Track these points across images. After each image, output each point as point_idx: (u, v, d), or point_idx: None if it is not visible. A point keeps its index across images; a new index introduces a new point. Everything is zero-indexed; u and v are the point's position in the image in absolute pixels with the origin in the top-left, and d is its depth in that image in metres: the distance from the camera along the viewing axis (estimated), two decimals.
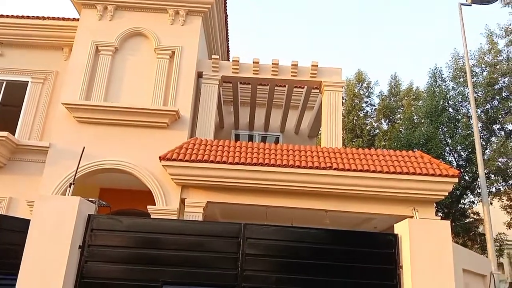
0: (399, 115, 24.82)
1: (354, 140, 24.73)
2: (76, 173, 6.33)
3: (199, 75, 10.52)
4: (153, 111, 9.25)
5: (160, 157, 8.47)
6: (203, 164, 8.40)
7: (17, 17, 10.86)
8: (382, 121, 25.45)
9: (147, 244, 4.76)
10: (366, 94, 25.99)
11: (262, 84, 12.81)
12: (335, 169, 8.38)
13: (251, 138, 14.10)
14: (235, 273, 4.68)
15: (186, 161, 8.40)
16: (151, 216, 8.41)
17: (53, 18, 10.82)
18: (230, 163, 8.42)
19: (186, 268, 4.69)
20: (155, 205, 8.69)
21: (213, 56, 10.56)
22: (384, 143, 23.35)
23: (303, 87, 12.37)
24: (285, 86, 12.06)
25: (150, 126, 9.35)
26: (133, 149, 9.13)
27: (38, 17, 10.80)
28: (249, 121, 13.58)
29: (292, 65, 10.48)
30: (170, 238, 4.79)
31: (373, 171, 8.36)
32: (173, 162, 8.40)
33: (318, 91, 11.71)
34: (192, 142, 9.06)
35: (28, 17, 10.85)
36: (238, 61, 10.51)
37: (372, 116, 25.83)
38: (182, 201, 8.76)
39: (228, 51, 13.92)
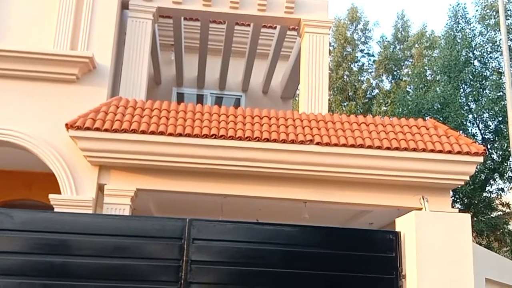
0: (406, 70, 25.39)
1: (345, 103, 25.16)
2: None
3: (124, 5, 10.29)
4: (55, 57, 9.01)
5: (67, 125, 8.31)
6: (131, 135, 8.32)
7: None
8: (383, 78, 25.97)
9: (50, 249, 4.72)
10: (362, 39, 26.33)
11: (216, 22, 12.69)
12: (317, 143, 8.51)
13: (200, 99, 14.04)
14: (177, 287, 4.74)
15: (106, 130, 8.28)
16: (55, 210, 8.27)
17: None
18: (171, 135, 8.38)
19: (105, 282, 4.70)
20: (60, 193, 8.57)
21: None
22: (385, 108, 23.88)
23: (275, 28, 12.34)
24: (249, 25, 11.98)
25: (53, 80, 9.11)
26: (26, 113, 8.89)
27: None
28: (198, 75, 13.47)
29: None
30: (83, 240, 4.78)
31: (369, 147, 8.56)
32: (86, 132, 8.27)
33: (296, 33, 11.73)
34: (114, 104, 8.91)
35: None
36: None
37: (370, 70, 26.27)
38: (101, 188, 8.69)
39: None
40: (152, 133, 8.37)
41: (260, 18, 10.84)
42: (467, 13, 19.70)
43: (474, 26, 19.35)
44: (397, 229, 5.23)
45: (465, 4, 20.97)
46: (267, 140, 8.46)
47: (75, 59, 9.07)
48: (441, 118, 17.05)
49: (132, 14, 10.25)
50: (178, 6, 10.46)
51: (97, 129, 8.28)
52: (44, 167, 8.84)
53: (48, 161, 8.70)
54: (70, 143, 8.55)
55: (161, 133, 8.40)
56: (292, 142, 8.49)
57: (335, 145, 8.53)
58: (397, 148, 8.58)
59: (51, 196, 8.48)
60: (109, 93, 9.50)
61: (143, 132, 8.36)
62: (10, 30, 9.43)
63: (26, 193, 10.30)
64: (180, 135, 8.40)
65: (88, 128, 8.26)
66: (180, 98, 13.93)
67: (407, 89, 22.69)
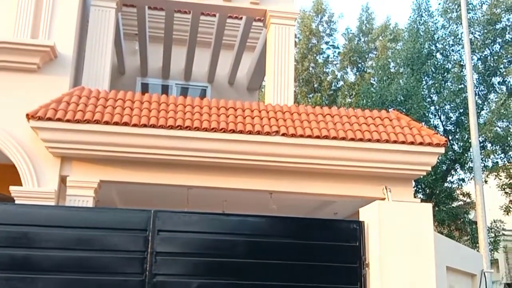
0: (370, 62, 25.71)
1: (310, 95, 25.34)
2: None
3: None
4: (15, 46, 8.82)
5: (27, 115, 8.14)
6: (94, 126, 8.20)
7: None
8: (348, 70, 26.23)
9: (12, 242, 4.67)
10: (327, 31, 26.49)
11: (181, 12, 12.58)
12: (283, 135, 8.56)
13: (165, 89, 13.94)
14: (141, 279, 4.73)
15: (68, 121, 8.15)
16: (16, 202, 8.14)
17: None
18: (135, 126, 8.29)
19: (68, 275, 4.66)
20: (21, 185, 8.42)
21: None
22: (350, 99, 24.16)
23: (241, 18, 12.32)
24: (215, 15, 11.93)
25: (13, 69, 8.92)
26: None
27: None
28: (163, 65, 13.35)
29: None
30: (45, 232, 4.73)
31: (334, 138, 8.65)
32: (47, 122, 8.11)
33: (262, 24, 11.73)
34: (76, 94, 8.76)
35: None
36: None
37: (335, 62, 26.49)
38: (63, 179, 8.56)
39: None
40: (116, 124, 8.27)
41: (225, 9, 10.81)
42: (430, 6, 20.02)
43: (436, 20, 19.69)
44: (360, 219, 5.32)
45: None
46: (233, 131, 8.46)
47: (35, 47, 8.89)
48: (404, 110, 17.33)
49: (95, 3, 10.06)
50: None
51: (59, 120, 8.13)
52: (4, 159, 8.67)
53: (8, 152, 8.52)
54: (31, 134, 8.39)
55: (125, 124, 8.30)
56: (258, 133, 8.51)
57: (301, 136, 8.59)
58: (361, 139, 8.69)
59: (12, 188, 8.32)
60: (71, 83, 9.35)
61: (106, 123, 8.25)
62: None
63: None
64: (144, 126, 8.32)
65: (49, 119, 8.10)
66: (145, 88, 13.80)
67: (371, 81, 22.98)
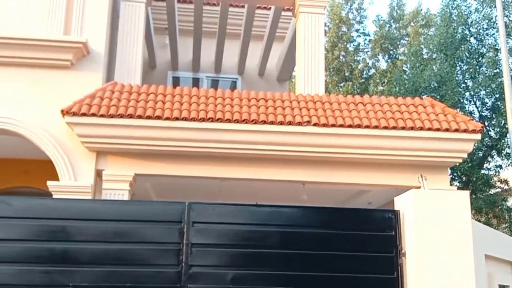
0: (402, 49, 25.32)
1: (342, 84, 25.12)
2: None
3: None
4: (48, 43, 8.95)
5: (62, 111, 8.28)
6: (127, 120, 8.30)
7: None
8: (380, 57, 25.90)
9: (50, 235, 4.75)
10: (358, 19, 26.20)
11: (210, 4, 12.60)
12: (315, 124, 8.52)
13: (196, 82, 14.00)
14: (178, 271, 4.77)
15: (102, 116, 8.27)
16: (54, 196, 8.28)
17: None
18: (167, 119, 8.36)
19: (105, 267, 4.73)
20: (58, 180, 8.58)
21: None
22: (382, 87, 23.86)
23: (270, 9, 12.27)
24: (244, 6, 11.91)
25: (47, 66, 9.06)
26: (21, 100, 8.86)
27: None
28: (193, 58, 13.41)
29: None
30: (82, 225, 4.80)
31: (367, 127, 8.57)
32: (82, 117, 8.25)
33: (291, 14, 11.66)
34: (109, 89, 8.88)
35: None
36: None
37: (366, 50, 26.19)
38: (99, 173, 8.69)
39: None
40: (149, 117, 8.36)
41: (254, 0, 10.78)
42: None
43: (469, 3, 19.28)
44: (396, 208, 5.26)
45: None
46: (264, 122, 8.46)
47: (68, 44, 9.01)
48: (438, 96, 17.06)
49: None
50: None
51: (93, 115, 8.26)
52: (42, 154, 8.83)
53: (45, 148, 8.69)
54: (67, 129, 8.53)
55: (158, 118, 8.38)
56: (289, 123, 8.49)
57: (332, 125, 8.53)
58: (394, 127, 8.59)
59: (49, 183, 8.49)
60: (104, 78, 9.46)
61: (139, 117, 8.34)
62: (2, 16, 9.34)
63: (24, 180, 10.30)
64: (176, 119, 8.39)
65: (84, 114, 8.24)
66: (176, 82, 13.89)
67: (404, 68, 22.66)
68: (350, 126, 8.55)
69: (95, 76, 9.24)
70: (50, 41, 8.98)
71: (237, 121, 8.45)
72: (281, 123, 8.48)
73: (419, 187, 7.99)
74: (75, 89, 8.92)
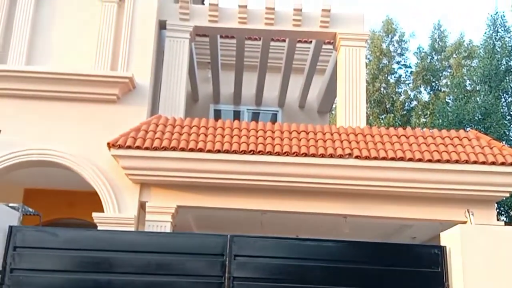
0: (445, 81, 24.98)
1: (383, 116, 24.90)
2: None
3: (162, 25, 10.46)
4: (96, 78, 9.22)
5: (108, 144, 8.46)
6: (171, 153, 8.41)
7: None
8: (422, 89, 25.61)
9: (94, 267, 4.80)
10: (398, 51, 26.09)
11: (252, 38, 12.77)
12: (357, 157, 8.44)
13: (237, 115, 14.11)
14: None
15: (146, 148, 8.40)
16: (98, 228, 8.41)
17: None
18: (209, 152, 8.44)
19: None
20: (103, 211, 8.71)
21: None
22: (424, 119, 23.52)
23: (310, 42, 12.35)
24: (284, 40, 12.03)
25: (94, 100, 9.31)
26: (69, 133, 9.10)
27: None
28: (235, 91, 13.56)
29: (294, 10, 10.46)
30: (126, 257, 4.84)
31: (410, 160, 8.44)
32: (127, 150, 8.40)
33: (331, 47, 11.71)
34: (154, 122, 9.04)
35: None
36: (217, 5, 10.45)
37: (408, 82, 25.96)
38: (142, 205, 8.79)
39: None
40: (191, 150, 8.45)
41: (295, 33, 10.88)
42: (506, 21, 19.33)
43: None
44: (442, 244, 5.13)
45: (503, 12, 20.50)
46: (305, 154, 8.43)
47: (115, 79, 9.26)
48: (483, 129, 16.69)
49: (170, 34, 10.42)
50: (214, 24, 10.59)
51: (138, 148, 8.40)
52: (87, 186, 9.00)
53: (91, 180, 8.85)
54: (112, 161, 8.69)
55: (200, 150, 8.46)
56: (331, 156, 8.44)
57: (375, 158, 8.43)
58: (438, 161, 8.42)
59: (94, 214, 8.62)
60: (148, 111, 9.64)
61: (182, 149, 8.44)
62: (52, 52, 9.69)
63: (69, 211, 10.48)
64: (218, 151, 8.45)
65: (129, 147, 8.39)
66: (217, 114, 14.03)
67: (447, 100, 22.32)
68: (392, 159, 8.43)
69: (140, 110, 9.43)
70: (98, 77, 9.24)
71: (278, 154, 8.45)
72: (322, 155, 8.44)
73: (465, 222, 7.78)
74: (121, 122, 9.11)
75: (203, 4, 13.93)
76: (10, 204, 5.29)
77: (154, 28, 9.96)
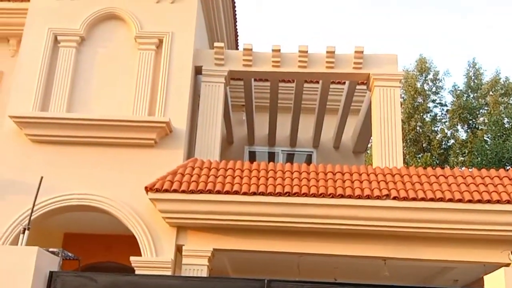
0: (482, 118, 24.59)
1: (420, 155, 24.57)
2: (31, 213, 6.43)
3: (198, 70, 10.69)
4: (135, 124, 9.41)
5: (146, 188, 8.56)
6: (207, 196, 8.46)
7: None
8: (459, 128, 25.23)
9: None
10: (433, 89, 25.92)
11: (285, 81, 12.92)
12: (394, 198, 8.32)
13: (272, 156, 14.14)
14: None
15: (183, 192, 8.47)
16: (136, 272, 8.43)
17: None
18: (245, 194, 8.45)
19: None
20: (140, 255, 8.74)
21: (216, 44, 10.71)
22: (462, 158, 23.09)
23: (344, 83, 12.40)
24: (318, 82, 12.12)
25: (132, 145, 9.49)
26: (108, 178, 9.26)
27: None
28: (269, 133, 13.64)
29: (327, 52, 10.56)
30: None
31: (450, 200, 8.28)
32: (164, 194, 8.48)
33: (365, 87, 11.73)
34: (190, 165, 9.13)
35: None
36: (251, 49, 10.64)
37: (444, 120, 25.66)
38: (179, 249, 8.81)
39: (237, 36, 14.09)
40: (227, 192, 8.48)
41: (328, 75, 10.96)
42: None
43: None
44: (485, 287, 4.96)
45: None
46: (342, 196, 8.35)
47: (153, 124, 9.43)
48: None
49: (205, 79, 10.63)
50: (248, 68, 10.76)
51: (175, 191, 8.47)
52: (124, 230, 9.09)
53: (129, 224, 8.93)
54: (149, 205, 8.77)
55: (236, 192, 8.48)
56: (368, 197, 8.34)
57: (413, 199, 8.30)
58: (479, 201, 8.23)
59: (132, 258, 8.66)
60: (185, 154, 9.75)
61: (218, 192, 8.48)
62: (91, 99, 9.96)
63: (107, 255, 10.55)
64: (254, 193, 8.46)
65: (166, 190, 8.47)
66: (252, 156, 14.09)
67: (485, 138, 21.91)
68: (431, 199, 8.28)
69: (176, 153, 9.55)
70: (136, 122, 9.43)
71: (314, 195, 8.40)
72: (359, 197, 8.35)
73: (508, 264, 7.55)
74: (158, 166, 9.23)
75: (237, 49, 14.24)
76: (50, 249, 5.37)
77: (190, 74, 10.17)
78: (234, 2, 12.73)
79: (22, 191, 9.01)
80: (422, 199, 8.29)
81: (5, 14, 11.05)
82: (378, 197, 8.33)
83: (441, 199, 8.27)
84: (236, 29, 13.74)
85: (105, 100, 9.94)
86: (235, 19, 13.30)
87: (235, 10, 13.02)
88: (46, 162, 9.37)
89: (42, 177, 6.44)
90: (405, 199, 8.30)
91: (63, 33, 10.22)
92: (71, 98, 9.91)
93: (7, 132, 9.63)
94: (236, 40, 14.16)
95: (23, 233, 4.97)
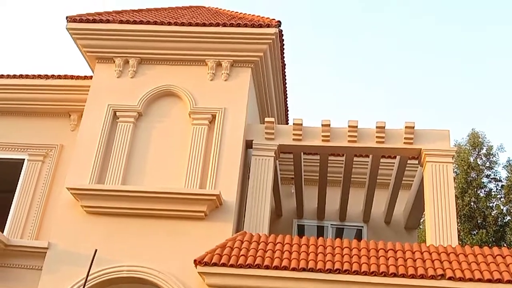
0: None
1: (474, 231, 23.70)
2: (85, 284, 6.53)
3: (248, 144, 10.86)
4: (185, 196, 9.56)
5: (195, 261, 8.57)
6: (255, 270, 8.38)
7: (10, 76, 11.82)
8: None
9: None
10: (487, 164, 25.32)
11: (335, 154, 12.92)
12: (450, 278, 8.04)
13: (321, 230, 13.94)
14: None
15: (231, 266, 8.43)
16: None
17: (58, 77, 11.80)
18: (294, 270, 8.33)
19: None
20: None
21: (266, 119, 10.93)
22: None
23: (395, 157, 12.30)
24: (368, 156, 12.06)
25: (183, 217, 9.60)
26: (158, 250, 9.34)
27: (38, 76, 11.79)
28: (318, 206, 13.52)
29: (377, 127, 10.58)
30: None
31: (508, 282, 7.91)
32: (213, 268, 8.46)
33: (416, 161, 11.59)
34: (239, 239, 9.13)
35: (22, 76, 11.81)
36: (301, 124, 10.79)
37: (499, 196, 24.85)
38: None
39: (287, 112, 14.34)
40: (276, 268, 8.38)
41: (379, 150, 10.92)
42: None
43: None
44: None
45: None
46: (394, 275, 8.13)
47: (204, 197, 9.56)
48: None
49: (256, 153, 10.77)
50: (298, 142, 10.87)
51: (223, 265, 8.43)
52: None
53: None
54: (198, 278, 8.73)
55: (285, 268, 8.37)
56: (422, 277, 8.08)
57: (470, 280, 7.99)
58: None
59: None
60: (234, 227, 9.77)
61: (267, 267, 8.39)
62: (145, 172, 10.24)
63: None
64: (303, 269, 8.33)
65: (215, 264, 8.45)
66: (301, 230, 13.93)
67: None
68: (489, 280, 7.95)
69: (226, 226, 9.59)
70: (188, 195, 9.58)
71: (365, 273, 8.20)
72: (413, 276, 8.09)
73: None
74: (208, 238, 9.27)
75: (287, 122, 14.45)
76: None
77: (241, 148, 10.36)
78: (285, 79, 13.05)
79: (76, 263, 9.17)
80: (479, 280, 7.97)
81: (68, 90, 11.66)
82: (432, 277, 8.06)
83: (499, 280, 7.92)
84: (286, 103, 14.02)
85: (159, 172, 10.19)
86: (285, 94, 13.60)
87: (286, 86, 13.33)
88: (100, 233, 9.57)
89: (96, 250, 6.59)
90: (461, 279, 8.00)
91: (122, 109, 10.68)
92: (126, 171, 10.21)
93: (65, 203, 9.95)
94: (286, 114, 14.40)
95: None
